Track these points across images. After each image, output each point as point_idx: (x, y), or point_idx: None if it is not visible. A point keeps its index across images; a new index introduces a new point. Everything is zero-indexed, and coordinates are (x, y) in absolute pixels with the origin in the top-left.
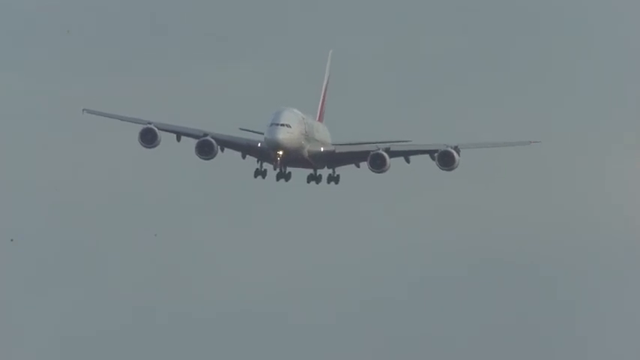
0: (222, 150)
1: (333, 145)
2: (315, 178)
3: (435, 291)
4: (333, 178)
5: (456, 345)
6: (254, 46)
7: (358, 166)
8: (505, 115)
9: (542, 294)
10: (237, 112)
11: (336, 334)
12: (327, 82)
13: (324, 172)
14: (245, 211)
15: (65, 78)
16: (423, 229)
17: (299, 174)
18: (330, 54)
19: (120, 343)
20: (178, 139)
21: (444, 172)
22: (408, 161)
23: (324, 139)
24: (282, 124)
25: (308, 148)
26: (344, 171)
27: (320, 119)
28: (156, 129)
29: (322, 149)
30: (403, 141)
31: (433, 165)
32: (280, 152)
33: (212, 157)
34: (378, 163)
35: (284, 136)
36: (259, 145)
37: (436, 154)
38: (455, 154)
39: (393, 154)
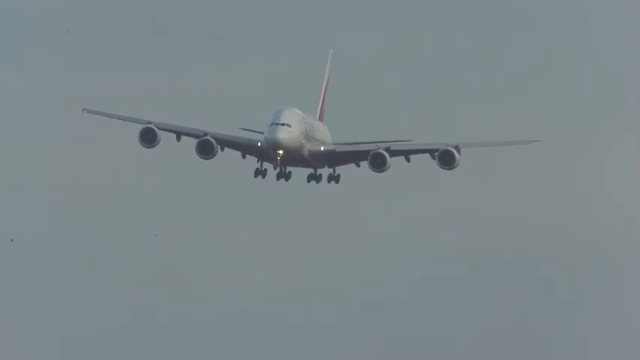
0: (223, 150)
1: (333, 144)
2: (315, 178)
3: (435, 291)
4: (334, 178)
5: (456, 345)
6: (254, 46)
7: (358, 166)
8: (505, 115)
9: (542, 294)
10: (238, 111)
11: (336, 334)
12: (327, 82)
13: (325, 171)
14: (245, 210)
15: (65, 78)
16: (424, 229)
17: (299, 173)
18: (331, 54)
19: (120, 343)
20: (178, 139)
21: (445, 171)
22: (408, 160)
23: (325, 138)
24: (283, 124)
25: (308, 147)
26: (344, 170)
27: (320, 119)
28: (156, 129)
29: (322, 148)
30: (404, 140)
31: (434, 164)
32: (280, 152)
33: (212, 157)
34: (378, 163)
35: (284, 135)
36: (259, 144)
37: (437, 154)
38: (455, 153)
39: (394, 153)
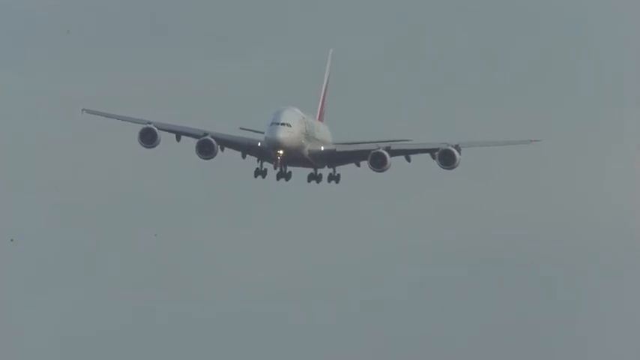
0: (223, 150)
1: (333, 144)
2: (315, 178)
3: (436, 291)
4: (334, 178)
5: (456, 345)
6: (254, 45)
7: (359, 165)
8: (505, 114)
9: (542, 294)
10: (237, 111)
11: (336, 335)
12: (328, 82)
13: (325, 171)
14: (245, 210)
15: (65, 78)
16: (424, 229)
17: (299, 173)
18: (331, 53)
19: (120, 343)
20: (178, 139)
21: (445, 171)
22: (408, 160)
23: (325, 138)
24: (283, 124)
25: (308, 147)
26: (344, 170)
27: (320, 118)
28: (156, 129)
29: (323, 148)
30: (404, 140)
31: (434, 164)
32: (281, 151)
33: (212, 157)
34: (378, 162)
35: (284, 135)
36: (259, 144)
37: (437, 153)
38: (456, 152)
39: (394, 153)
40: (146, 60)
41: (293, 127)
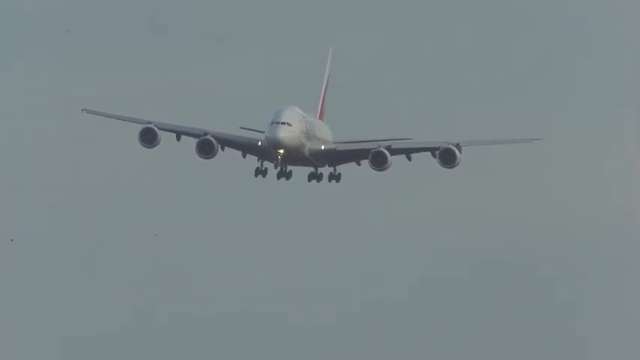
0: (223, 149)
1: (334, 143)
2: (316, 177)
3: (437, 290)
4: (334, 177)
5: (458, 345)
6: (254, 45)
7: (359, 164)
8: (506, 113)
9: (542, 294)
10: (238, 110)
11: (338, 334)
12: (328, 80)
13: (325, 170)
14: (246, 210)
15: (65, 78)
16: (425, 228)
17: (300, 173)
18: (331, 52)
19: (120, 343)
20: (178, 139)
21: (446, 169)
22: (409, 159)
23: (325, 137)
24: (283, 123)
25: (309, 146)
26: (345, 169)
27: (321, 117)
28: (156, 129)
29: (323, 147)
30: (404, 139)
31: (434, 163)
32: (281, 151)
33: (212, 157)
34: (379, 161)
35: (285, 134)
36: (260, 143)
37: (437, 152)
38: (456, 151)
39: (395, 151)
40: (146, 60)
41: (293, 127)
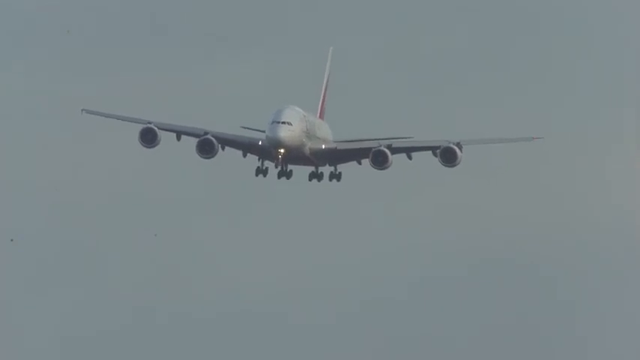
0: (223, 149)
1: (334, 142)
2: (316, 176)
3: (438, 289)
4: (335, 176)
5: (459, 344)
6: (254, 44)
7: (360, 163)
8: (507, 112)
9: (542, 293)
10: (238, 110)
11: (339, 334)
12: (328, 80)
13: (326, 169)
14: (247, 209)
15: (65, 78)
16: (426, 227)
17: (300, 172)
18: (331, 51)
19: (120, 342)
20: (178, 139)
21: (447, 168)
22: (410, 158)
23: (326, 136)
24: (284, 122)
25: (309, 145)
26: (346, 168)
27: (321, 117)
28: (156, 128)
29: (324, 146)
30: (405, 137)
31: (435, 162)
32: (282, 150)
33: (213, 156)
34: (380, 160)
35: (285, 133)
36: (260, 143)
37: (438, 151)
38: (457, 150)
39: (395, 150)
40: (146, 60)
41: (294, 126)
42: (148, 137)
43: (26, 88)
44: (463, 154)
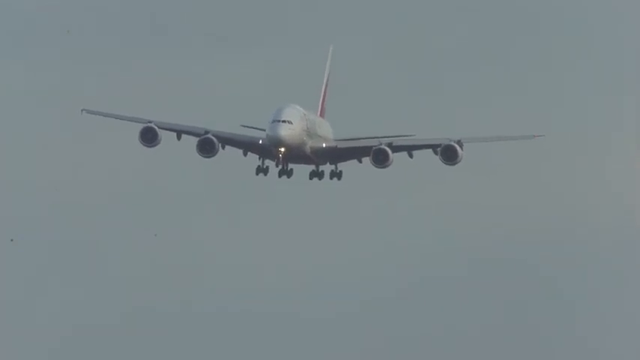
0: (224, 148)
1: (335, 140)
2: (317, 175)
3: (439, 287)
4: (336, 174)
5: (460, 344)
6: (254, 42)
7: (360, 162)
8: (508, 109)
9: (544, 291)
10: (238, 109)
11: (341, 332)
12: (328, 78)
13: (327, 168)
14: (247, 209)
15: (65, 78)
16: (427, 225)
17: (301, 171)
18: (331, 49)
19: (121, 341)
20: (179, 138)
21: (447, 167)
22: (411, 156)
23: (326, 134)
24: (284, 121)
25: (310, 144)
26: (346, 167)
27: (321, 115)
28: (156, 128)
29: (324, 145)
30: (406, 135)
31: (436, 160)
32: (282, 149)
33: (213, 155)
34: (380, 159)
35: (286, 132)
36: (261, 142)
37: (439, 149)
38: (458, 148)
39: (396, 149)
40: (146, 60)
41: (294, 125)
42: (149, 137)
43: (26, 88)
44: (464, 152)
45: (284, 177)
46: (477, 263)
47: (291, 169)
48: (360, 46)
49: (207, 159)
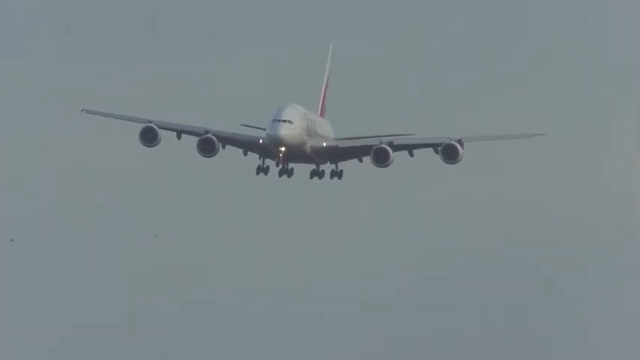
0: (224, 147)
1: (335, 140)
2: (318, 174)
3: (440, 286)
4: (336, 174)
5: (461, 343)
6: (254, 42)
7: (361, 161)
8: (509, 108)
9: (545, 290)
10: (239, 108)
11: (341, 332)
12: (328, 77)
13: (327, 167)
14: (248, 208)
15: (65, 78)
16: (427, 224)
17: (301, 170)
18: (331, 48)
19: (121, 341)
20: (179, 138)
21: (448, 165)
22: (411, 155)
23: (327, 134)
24: (284, 120)
25: (310, 143)
26: (347, 166)
27: (322, 114)
28: (156, 127)
29: (325, 144)
30: (406, 135)
31: (437, 159)
32: (282, 148)
33: (214, 155)
34: (381, 158)
35: (286, 132)
36: (261, 141)
37: (440, 148)
38: (459, 147)
39: (397, 148)
40: (146, 60)
41: (295, 124)
42: (149, 136)
43: (26, 88)
44: (465, 150)
45: (284, 176)
46: (478, 262)
47: (292, 169)
48: (360, 45)
49: (207, 159)
